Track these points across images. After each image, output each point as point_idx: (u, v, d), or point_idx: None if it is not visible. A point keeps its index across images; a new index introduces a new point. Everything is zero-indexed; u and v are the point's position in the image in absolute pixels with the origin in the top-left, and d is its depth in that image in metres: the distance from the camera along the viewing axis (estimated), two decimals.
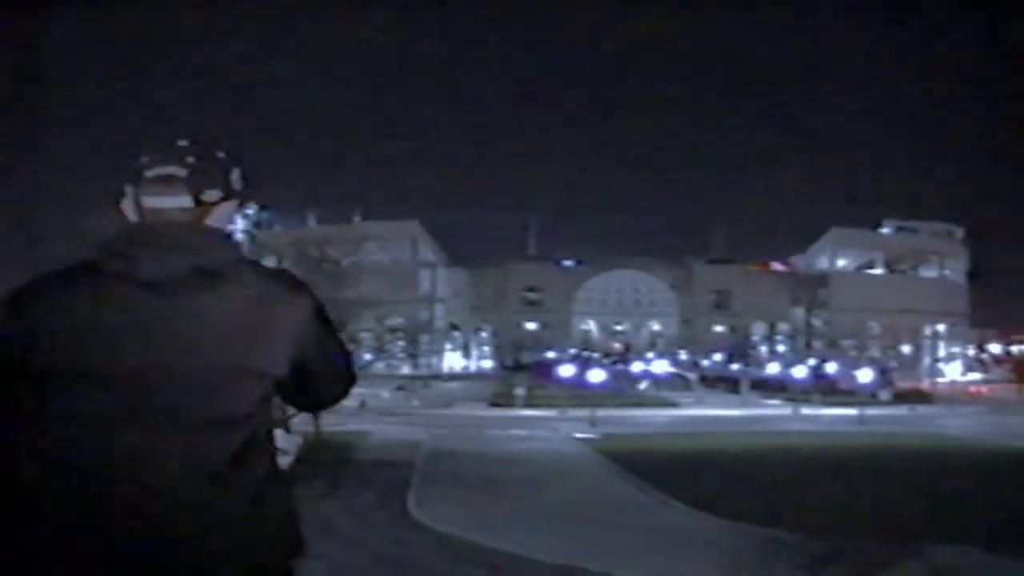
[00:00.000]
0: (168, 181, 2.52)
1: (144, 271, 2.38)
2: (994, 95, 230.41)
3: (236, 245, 2.57)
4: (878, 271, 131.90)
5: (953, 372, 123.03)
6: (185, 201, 2.50)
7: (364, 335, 55.38)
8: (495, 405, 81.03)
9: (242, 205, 2.69)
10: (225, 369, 2.38)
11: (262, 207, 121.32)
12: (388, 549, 25.20)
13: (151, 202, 2.50)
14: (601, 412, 64.25)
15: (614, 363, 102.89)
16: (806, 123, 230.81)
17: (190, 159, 2.54)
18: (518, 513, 29.65)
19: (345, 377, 2.82)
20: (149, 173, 2.53)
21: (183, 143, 2.57)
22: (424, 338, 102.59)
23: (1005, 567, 22.01)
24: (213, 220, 2.56)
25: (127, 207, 2.53)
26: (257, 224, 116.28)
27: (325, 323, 2.65)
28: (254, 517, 2.40)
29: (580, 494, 34.24)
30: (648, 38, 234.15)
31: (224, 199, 2.59)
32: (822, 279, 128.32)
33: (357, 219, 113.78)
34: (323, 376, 2.73)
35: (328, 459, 38.24)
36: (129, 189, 2.53)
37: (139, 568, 2.31)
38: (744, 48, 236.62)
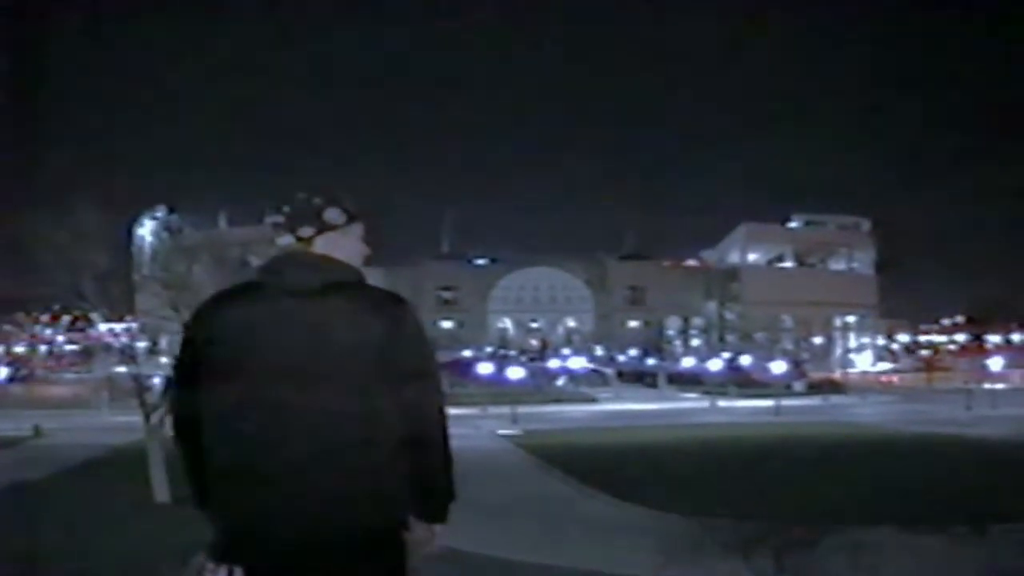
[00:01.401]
0: (275, 227, 3.52)
1: (289, 283, 3.29)
2: (899, 90, 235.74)
3: (348, 266, 3.46)
4: (788, 265, 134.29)
5: (864, 362, 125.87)
6: (288, 239, 3.47)
7: None
8: None
9: (357, 231, 3.69)
10: (352, 354, 3.22)
11: (171, 210, 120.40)
12: None
13: (279, 240, 3.50)
14: (522, 409, 64.84)
15: (531, 360, 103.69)
16: (714, 121, 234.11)
17: (286, 208, 3.52)
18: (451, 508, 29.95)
19: None
20: (267, 220, 3.56)
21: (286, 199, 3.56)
22: None
23: (920, 542, 22.98)
24: (321, 248, 3.48)
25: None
26: (167, 227, 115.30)
27: (417, 325, 3.46)
28: (383, 474, 2.98)
29: (507, 489, 34.56)
30: (561, 39, 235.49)
31: (318, 233, 3.48)
32: (734, 273, 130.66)
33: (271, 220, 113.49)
34: None
35: None
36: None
37: (292, 516, 3.12)
38: (656, 48, 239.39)
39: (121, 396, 72.49)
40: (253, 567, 3.13)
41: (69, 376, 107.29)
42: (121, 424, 53.88)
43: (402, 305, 3.42)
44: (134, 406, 60.40)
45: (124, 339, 37.21)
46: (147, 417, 32.60)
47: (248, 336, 3.20)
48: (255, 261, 53.65)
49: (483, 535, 26.32)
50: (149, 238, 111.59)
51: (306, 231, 3.48)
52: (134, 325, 37.89)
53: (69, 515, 26.76)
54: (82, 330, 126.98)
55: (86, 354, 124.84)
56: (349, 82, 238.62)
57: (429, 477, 3.50)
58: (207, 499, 3.34)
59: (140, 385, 34.80)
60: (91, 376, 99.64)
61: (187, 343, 3.38)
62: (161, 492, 30.98)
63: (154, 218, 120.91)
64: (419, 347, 3.45)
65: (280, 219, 3.51)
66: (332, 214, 3.52)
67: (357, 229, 3.63)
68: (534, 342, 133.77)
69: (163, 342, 44.75)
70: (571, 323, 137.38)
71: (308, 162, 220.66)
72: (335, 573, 3.19)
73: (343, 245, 3.51)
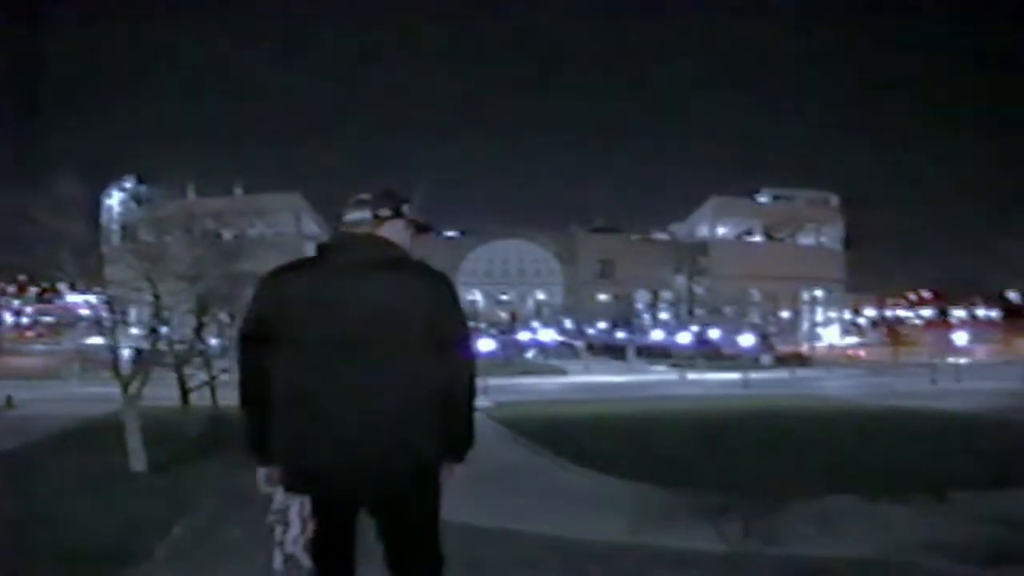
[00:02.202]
0: (359, 203, 4.11)
1: (358, 258, 3.83)
2: (866, 67, 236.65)
3: (403, 248, 4.02)
4: (757, 239, 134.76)
5: (831, 336, 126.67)
6: (366, 215, 4.04)
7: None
8: None
9: (413, 229, 4.25)
10: (405, 320, 3.77)
11: (139, 180, 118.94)
12: None
13: (351, 216, 4.03)
14: (492, 381, 65.02)
15: (501, 333, 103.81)
16: (685, 95, 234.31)
17: (375, 192, 4.15)
18: None
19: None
20: (351, 200, 4.10)
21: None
22: None
23: (883, 511, 23.69)
24: (387, 232, 4.05)
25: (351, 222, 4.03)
26: (136, 198, 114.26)
27: (456, 297, 4.05)
28: (428, 422, 3.81)
29: (478, 459, 34.86)
30: (532, 9, 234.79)
31: (392, 217, 4.07)
32: (703, 247, 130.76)
33: (239, 192, 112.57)
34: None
35: (230, 433, 38.48)
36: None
37: (354, 454, 3.69)
38: (627, 22, 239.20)
39: (92, 367, 72.46)
40: (319, 496, 3.53)
41: (38, 348, 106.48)
42: (92, 395, 53.68)
43: (446, 280, 4.04)
44: (105, 377, 60.20)
45: (104, 312, 37.09)
46: (124, 388, 32.81)
47: (323, 301, 3.71)
48: (227, 233, 53.79)
49: (459, 505, 26.81)
50: (118, 209, 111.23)
51: (384, 212, 4.05)
52: (103, 296, 37.72)
53: (48, 484, 27.01)
54: (50, 301, 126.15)
55: (55, 326, 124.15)
56: (321, 50, 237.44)
57: (457, 426, 3.98)
58: (268, 443, 3.69)
59: (116, 356, 34.90)
60: (60, 348, 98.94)
61: (260, 305, 3.83)
62: (137, 461, 31.24)
63: (123, 189, 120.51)
64: (459, 315, 4.03)
65: (367, 197, 4.08)
66: (407, 208, 4.15)
67: (411, 225, 4.20)
68: (504, 315, 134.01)
69: (133, 313, 44.39)
70: (541, 296, 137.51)
71: (277, 132, 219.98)
72: (384, 501, 3.83)
73: (402, 233, 4.07)
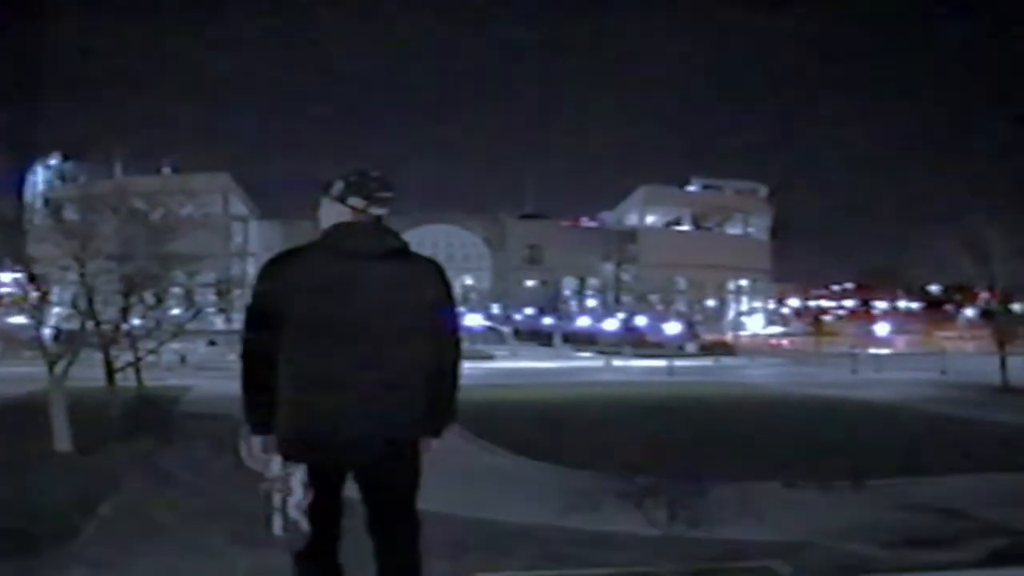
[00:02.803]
0: (338, 190, 4.17)
1: (360, 246, 4.00)
2: (795, 53, 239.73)
3: (399, 235, 4.16)
4: (686, 228, 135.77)
5: (755, 325, 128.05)
6: (353, 203, 4.11)
7: (175, 290, 54.51)
8: None
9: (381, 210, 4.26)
10: (407, 305, 4.00)
11: (65, 157, 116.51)
12: (229, 496, 25.67)
13: (353, 202, 4.11)
14: None
15: None
16: (615, 82, 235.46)
17: (352, 179, 4.20)
18: None
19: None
20: (334, 187, 4.19)
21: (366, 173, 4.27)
22: (237, 293, 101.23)
23: (802, 496, 24.34)
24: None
25: (324, 207, 4.18)
26: (61, 175, 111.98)
27: (449, 284, 4.25)
28: (419, 399, 4.04)
29: None
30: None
31: (377, 205, 4.17)
32: (631, 235, 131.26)
33: (167, 171, 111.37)
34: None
35: (155, 413, 38.30)
36: (327, 199, 4.17)
37: (353, 426, 3.89)
38: (561, 8, 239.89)
39: (13, 347, 71.36)
40: (315, 464, 3.84)
41: None
42: (13, 375, 52.93)
43: (441, 269, 4.23)
44: (27, 357, 59.20)
45: (33, 291, 36.61)
46: (51, 367, 32.54)
47: (329, 287, 3.88)
48: (156, 213, 53.21)
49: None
50: (41, 186, 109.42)
51: (363, 203, 4.14)
52: (26, 274, 37.24)
53: None
54: None
55: None
56: (247, 33, 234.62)
57: (444, 404, 4.23)
58: (271, 417, 3.93)
59: (41, 335, 34.57)
60: None
61: (267, 290, 3.95)
62: (62, 441, 31.00)
63: (47, 166, 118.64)
64: (452, 301, 4.29)
65: (341, 187, 4.14)
66: (387, 194, 4.22)
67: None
68: None
69: (56, 293, 43.48)
70: (468, 281, 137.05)
71: (208, 114, 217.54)
72: (373, 471, 4.04)
73: (386, 219, 4.20)
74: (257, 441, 3.99)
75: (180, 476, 28.00)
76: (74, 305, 38.00)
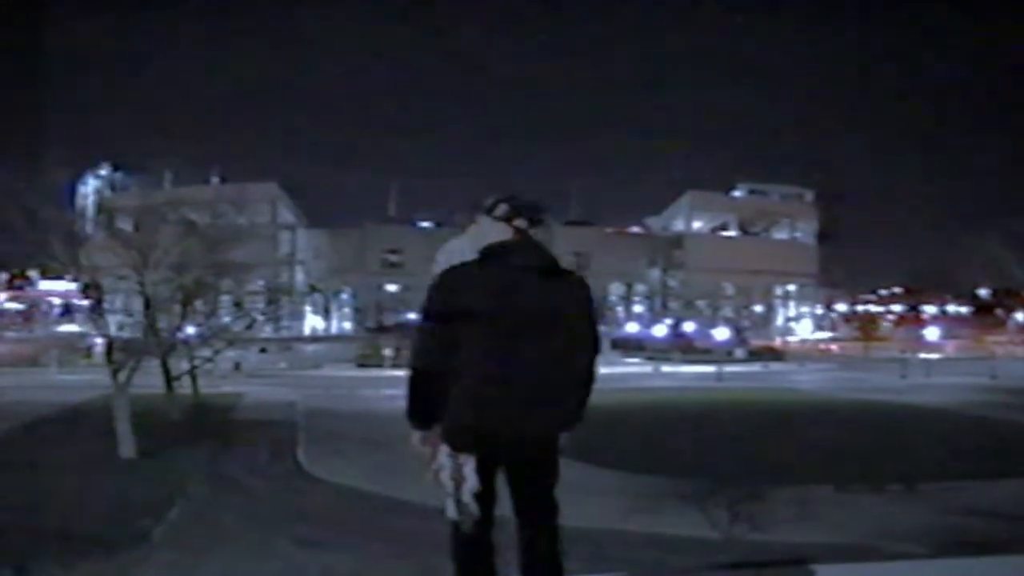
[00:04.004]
0: (502, 211, 4.68)
1: (525, 261, 4.49)
2: (844, 63, 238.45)
3: (551, 252, 4.63)
4: (732, 233, 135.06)
5: (804, 330, 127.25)
6: (518, 223, 4.60)
7: (224, 298, 55.13)
8: (363, 366, 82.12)
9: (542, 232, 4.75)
10: (562, 315, 4.48)
11: (115, 167, 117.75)
12: (291, 500, 26.18)
13: (517, 223, 4.60)
14: None
15: None
16: (661, 89, 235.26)
17: (515, 201, 4.71)
18: (402, 466, 30.82)
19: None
20: (499, 208, 4.71)
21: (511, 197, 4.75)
22: (285, 300, 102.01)
23: (857, 499, 24.43)
24: (536, 237, 4.68)
25: (484, 226, 4.70)
26: (112, 186, 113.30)
27: (593, 299, 4.74)
28: (575, 397, 4.58)
29: None
30: (508, 6, 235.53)
31: (537, 225, 4.68)
32: (678, 241, 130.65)
33: (216, 181, 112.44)
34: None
35: (214, 419, 38.86)
36: (488, 219, 4.70)
37: (517, 422, 4.37)
38: (602, 9, 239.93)
39: (69, 355, 72.46)
40: (482, 456, 4.34)
41: (9, 335, 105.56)
42: (70, 383, 53.82)
43: (587, 284, 4.75)
44: (82, 365, 60.05)
45: (83, 299, 37.28)
46: (115, 374, 33.08)
47: (500, 297, 4.37)
48: (211, 223, 53.86)
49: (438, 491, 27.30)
50: (92, 196, 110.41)
51: (525, 223, 4.66)
52: (85, 284, 37.86)
53: (42, 469, 27.27)
54: (20, 288, 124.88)
55: (26, 313, 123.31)
56: (297, 43, 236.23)
57: (580, 404, 4.67)
58: (430, 416, 4.48)
59: (110, 344, 35.07)
60: (32, 335, 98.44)
61: (445, 301, 4.47)
62: (127, 447, 31.55)
63: (98, 176, 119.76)
64: (595, 314, 4.77)
65: (506, 208, 4.65)
66: (546, 216, 4.76)
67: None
68: None
69: (116, 302, 43.84)
70: None
71: (252, 125, 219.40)
72: (527, 460, 4.54)
73: (546, 239, 4.68)
74: (416, 435, 4.49)
75: (242, 481, 28.49)
76: (130, 314, 38.65)
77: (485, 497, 4.42)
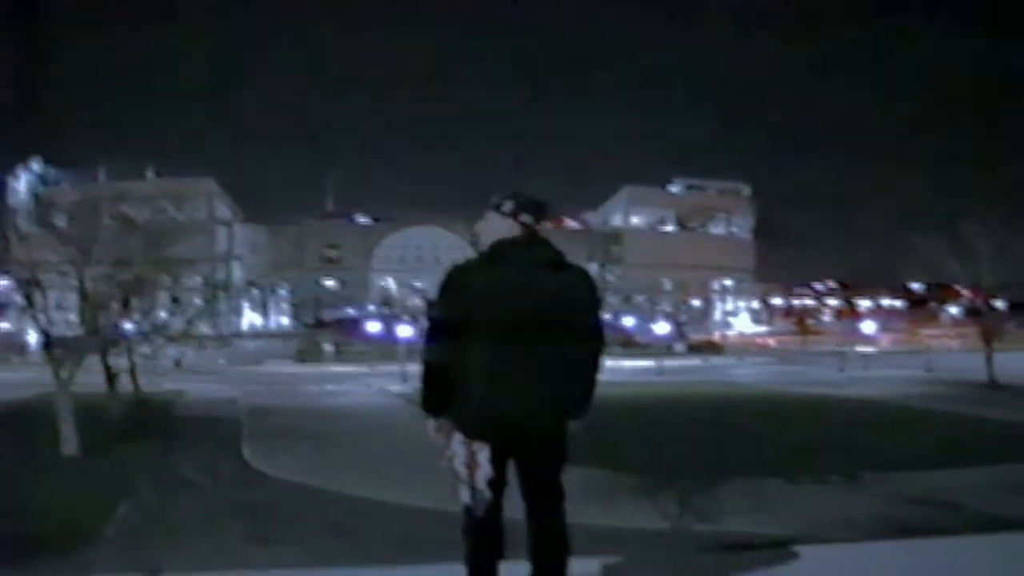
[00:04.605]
0: (508, 208, 4.90)
1: (534, 257, 4.72)
2: (776, 55, 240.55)
3: (557, 247, 4.83)
4: (669, 228, 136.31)
5: (741, 325, 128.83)
6: (524, 219, 4.84)
7: (161, 294, 54.80)
8: (302, 361, 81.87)
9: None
10: (568, 308, 4.71)
11: (47, 161, 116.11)
12: (239, 496, 26.04)
13: (523, 218, 4.83)
14: (410, 367, 65.36)
15: (414, 319, 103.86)
16: (599, 84, 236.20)
17: (520, 199, 4.95)
18: (351, 461, 30.90)
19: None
20: (504, 205, 4.94)
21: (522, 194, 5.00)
22: (222, 296, 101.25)
23: (801, 491, 24.82)
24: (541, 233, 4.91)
25: (492, 222, 4.88)
26: (43, 180, 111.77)
27: (597, 290, 5.00)
28: (582, 385, 4.83)
29: (405, 443, 35.22)
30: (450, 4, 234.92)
31: (541, 221, 4.91)
32: (616, 236, 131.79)
33: (151, 175, 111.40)
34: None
35: (156, 417, 38.60)
36: (496, 215, 4.89)
37: (528, 411, 4.62)
38: (544, 12, 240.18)
39: (2, 352, 71.52)
40: (495, 443, 4.58)
41: None
42: (5, 380, 53.18)
43: (591, 276, 4.96)
44: (15, 363, 59.21)
45: (17, 296, 36.75)
46: (56, 371, 32.71)
47: (509, 292, 4.61)
48: (150, 218, 53.43)
49: (396, 488, 27.37)
50: (23, 191, 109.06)
51: (531, 219, 4.88)
52: (20, 280, 37.35)
53: None
54: None
55: None
56: (234, 38, 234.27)
57: (587, 394, 4.91)
58: (441, 405, 4.71)
59: (50, 340, 34.67)
60: None
61: (456, 297, 4.68)
62: (70, 445, 31.21)
63: (30, 171, 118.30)
64: (600, 306, 5.04)
65: (512, 205, 4.88)
66: (549, 212, 4.99)
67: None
68: (417, 301, 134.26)
69: (50, 298, 42.97)
70: None
71: (188, 121, 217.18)
72: (535, 447, 4.75)
73: (547, 232, 4.93)
74: (431, 424, 4.75)
75: (189, 477, 28.26)
76: (63, 310, 38.18)
77: (496, 483, 4.63)
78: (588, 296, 4.85)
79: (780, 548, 5.91)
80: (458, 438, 4.60)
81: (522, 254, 4.71)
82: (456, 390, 4.63)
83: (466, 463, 4.59)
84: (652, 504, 20.64)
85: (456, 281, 4.72)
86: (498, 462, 4.62)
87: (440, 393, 4.69)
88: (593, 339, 4.87)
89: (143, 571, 5.30)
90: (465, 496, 4.63)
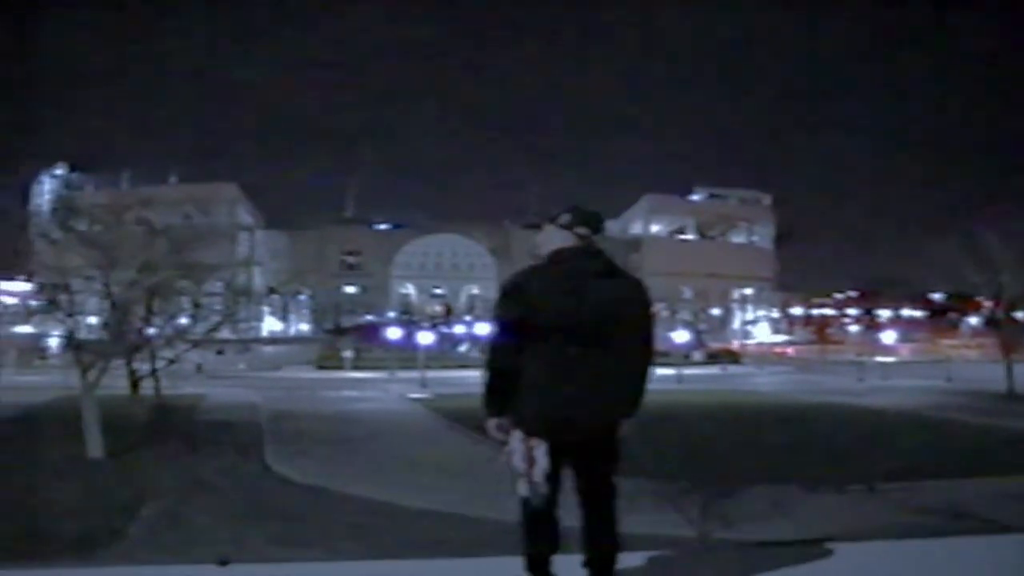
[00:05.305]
0: (565, 221, 5.17)
1: (588, 266, 5.00)
2: (802, 68, 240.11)
3: (609, 256, 5.13)
4: (689, 236, 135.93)
5: (761, 334, 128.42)
6: (580, 231, 5.11)
7: (183, 299, 55.10)
8: (323, 368, 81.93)
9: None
10: (623, 314, 4.99)
11: (72, 167, 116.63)
12: (261, 499, 26.36)
13: (579, 230, 5.10)
14: (430, 374, 65.58)
15: (434, 326, 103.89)
16: (620, 93, 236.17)
17: (577, 213, 5.20)
18: (371, 466, 31.19)
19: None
20: (560, 218, 5.20)
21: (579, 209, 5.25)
22: (243, 301, 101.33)
23: (818, 500, 24.97)
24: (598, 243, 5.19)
25: (551, 233, 5.14)
26: (67, 185, 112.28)
27: (647, 299, 5.21)
28: (632, 387, 5.06)
29: (425, 448, 35.76)
30: (466, 6, 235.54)
31: (598, 232, 5.20)
32: (636, 244, 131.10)
33: (174, 181, 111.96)
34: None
35: (178, 420, 38.88)
36: (553, 227, 5.15)
37: (586, 410, 4.87)
38: (562, 16, 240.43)
39: (25, 356, 71.87)
40: (554, 440, 4.83)
41: None
42: (29, 383, 53.44)
43: (643, 286, 5.21)
44: (38, 366, 59.52)
45: (39, 299, 37.14)
46: (83, 374, 33.04)
47: (566, 299, 4.89)
48: (175, 223, 53.74)
49: (417, 492, 27.58)
50: (47, 196, 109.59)
51: (587, 231, 5.15)
52: (51, 284, 37.74)
53: (9, 470, 27.14)
54: None
55: None
56: (253, 47, 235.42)
57: (638, 396, 5.12)
58: (503, 406, 4.99)
59: (78, 344, 35.00)
60: None
61: (517, 302, 4.99)
62: (95, 447, 31.58)
63: (54, 176, 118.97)
64: (650, 313, 5.25)
65: (569, 218, 5.15)
66: (603, 225, 5.30)
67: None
68: (438, 308, 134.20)
69: (74, 302, 43.18)
70: (474, 290, 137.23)
71: (207, 126, 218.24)
72: (591, 444, 5.04)
73: (602, 244, 5.21)
74: (492, 422, 5.01)
75: (211, 480, 28.57)
76: (84, 314, 38.54)
77: (553, 478, 4.87)
78: (640, 304, 5.11)
79: (813, 545, 6.13)
80: (517, 435, 4.87)
81: (577, 263, 4.99)
82: (515, 392, 4.92)
83: (524, 459, 4.84)
84: (674, 510, 20.83)
85: (516, 287, 5.03)
86: (554, 458, 4.87)
87: (502, 395, 4.98)
88: (644, 344, 5.13)
89: (211, 561, 5.45)
90: (523, 490, 4.87)
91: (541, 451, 4.81)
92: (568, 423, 4.87)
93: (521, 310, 4.91)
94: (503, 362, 4.98)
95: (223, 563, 5.65)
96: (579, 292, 4.90)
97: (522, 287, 5.02)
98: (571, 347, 4.86)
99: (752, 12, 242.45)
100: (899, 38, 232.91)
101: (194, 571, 5.76)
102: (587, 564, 5.07)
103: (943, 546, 6.75)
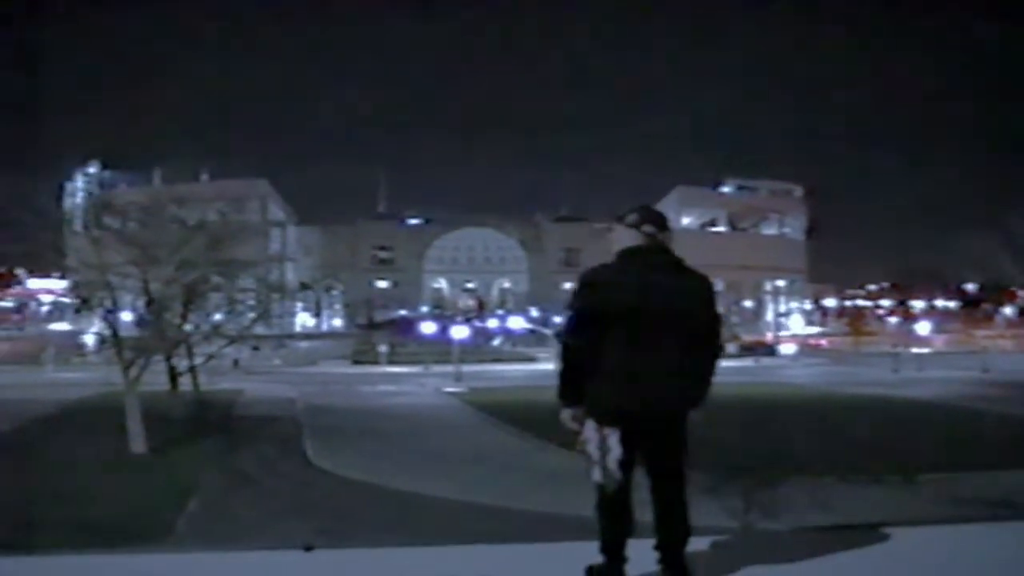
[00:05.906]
0: (634, 220, 5.28)
1: (658, 263, 5.15)
2: (834, 59, 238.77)
3: (675, 253, 5.25)
4: (721, 229, 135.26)
5: (794, 325, 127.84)
6: (648, 229, 5.20)
7: (217, 295, 55.33)
8: (358, 362, 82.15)
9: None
10: (692, 309, 5.17)
11: (104, 165, 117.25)
12: (304, 493, 26.59)
13: (646, 228, 5.20)
14: (465, 368, 65.62)
15: (467, 320, 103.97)
16: (651, 85, 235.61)
17: (644, 212, 5.32)
18: (410, 459, 31.36)
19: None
20: (629, 217, 5.29)
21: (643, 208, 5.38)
22: (276, 297, 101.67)
23: (857, 490, 25.00)
24: (666, 242, 5.29)
25: (619, 232, 5.25)
26: (100, 184, 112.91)
27: (714, 295, 5.39)
28: (700, 378, 5.21)
29: (462, 442, 35.89)
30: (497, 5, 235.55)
31: (665, 231, 5.29)
32: None
33: (205, 178, 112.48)
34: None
35: (218, 416, 39.21)
36: (621, 226, 5.24)
37: (657, 400, 5.01)
38: (591, 13, 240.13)
39: (64, 353, 72.60)
40: (625, 429, 4.95)
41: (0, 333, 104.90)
42: (68, 380, 54.00)
43: (710, 282, 5.38)
44: (77, 362, 60.03)
45: (73, 297, 37.50)
46: (126, 371, 33.40)
47: (639, 294, 5.03)
48: (211, 220, 53.96)
49: (451, 484, 27.82)
50: (80, 194, 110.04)
51: (653, 229, 5.25)
52: (86, 282, 38.13)
53: (57, 465, 27.60)
54: (8, 286, 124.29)
55: (16, 311, 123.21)
56: (285, 38, 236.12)
57: (705, 387, 5.29)
58: (578, 396, 5.10)
59: (120, 342, 35.31)
60: (23, 334, 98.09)
61: (593, 297, 5.12)
62: (137, 443, 31.93)
63: (86, 174, 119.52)
64: (716, 308, 5.42)
65: (635, 217, 5.27)
66: (671, 223, 5.42)
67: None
68: (470, 302, 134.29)
69: (107, 300, 43.19)
70: (506, 284, 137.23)
71: (237, 121, 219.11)
72: (663, 432, 5.17)
73: (672, 242, 5.33)
74: (567, 412, 5.14)
75: (254, 475, 28.86)
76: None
77: (626, 465, 5.01)
78: (706, 298, 5.28)
79: (857, 531, 6.21)
80: (591, 425, 5.01)
81: (645, 259, 5.15)
82: (587, 383, 5.06)
83: (599, 447, 4.97)
84: (715, 500, 20.91)
85: (591, 280, 5.17)
86: (627, 445, 5.01)
87: (577, 385, 5.12)
88: (710, 336, 5.32)
89: (296, 547, 5.60)
90: (597, 476, 5.00)
91: (615, 439, 4.95)
92: (641, 411, 5.03)
93: (596, 303, 5.07)
94: (578, 355, 5.13)
95: (308, 549, 5.80)
96: (649, 286, 5.05)
97: (596, 281, 5.18)
98: (642, 339, 5.03)
99: (786, 3, 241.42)
100: (935, 27, 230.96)
101: (279, 556, 5.90)
102: (659, 547, 5.19)
103: (986, 531, 6.83)
